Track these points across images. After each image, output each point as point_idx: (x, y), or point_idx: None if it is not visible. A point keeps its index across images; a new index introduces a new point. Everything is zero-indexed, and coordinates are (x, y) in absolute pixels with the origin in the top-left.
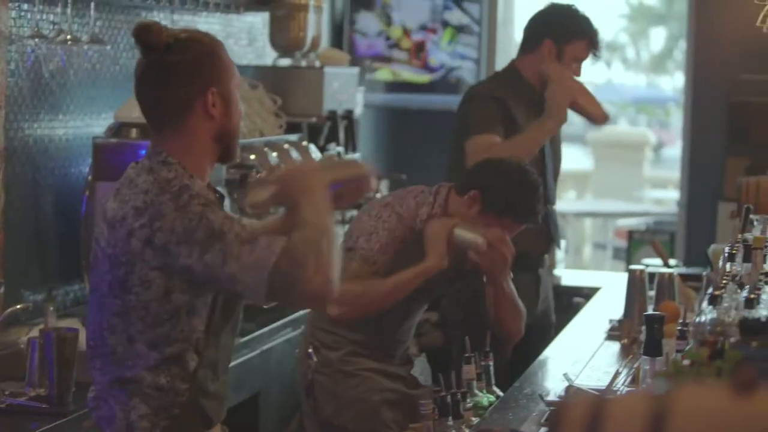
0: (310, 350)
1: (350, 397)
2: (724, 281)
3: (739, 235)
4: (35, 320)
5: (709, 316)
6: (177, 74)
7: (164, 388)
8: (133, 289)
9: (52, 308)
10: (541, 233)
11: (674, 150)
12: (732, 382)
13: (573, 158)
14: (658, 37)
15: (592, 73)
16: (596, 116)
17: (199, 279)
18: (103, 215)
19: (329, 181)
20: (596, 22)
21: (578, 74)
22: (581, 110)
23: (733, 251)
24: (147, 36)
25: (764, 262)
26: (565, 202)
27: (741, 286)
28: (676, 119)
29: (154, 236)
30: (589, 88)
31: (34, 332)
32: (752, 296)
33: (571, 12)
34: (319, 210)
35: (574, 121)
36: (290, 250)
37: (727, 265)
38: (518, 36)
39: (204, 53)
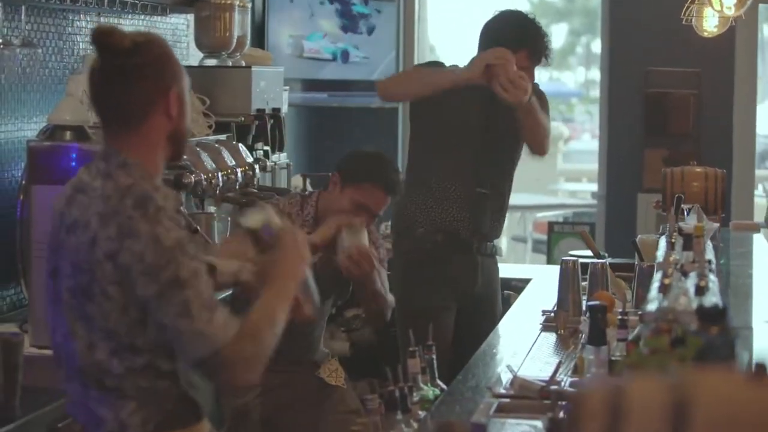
0: None
1: None
2: (670, 270)
3: (675, 224)
4: None
5: (660, 304)
6: (141, 77)
7: (147, 389)
8: (95, 298)
9: None
10: (470, 216)
11: (580, 144)
12: (750, 370)
13: None
14: (559, 33)
15: None
16: (507, 97)
17: (149, 309)
18: (58, 221)
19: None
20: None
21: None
22: (495, 85)
23: (672, 240)
24: (109, 40)
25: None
26: None
27: (684, 274)
28: (580, 114)
29: (119, 254)
30: None
31: None
32: (702, 284)
33: (515, 21)
34: (283, 299)
35: None
36: (239, 342)
37: (664, 254)
38: (432, 34)
39: (163, 54)
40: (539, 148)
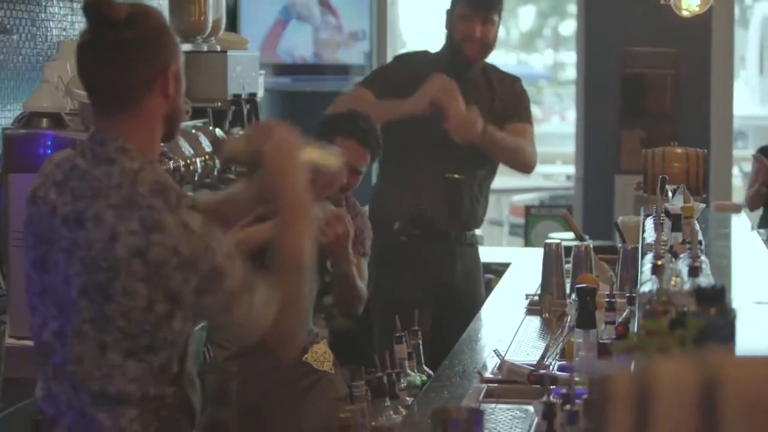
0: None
1: None
2: (661, 251)
3: (661, 205)
4: None
5: (654, 286)
6: (139, 53)
7: (153, 395)
8: (116, 297)
9: None
10: (443, 203)
11: (549, 126)
12: None
13: None
14: (527, 16)
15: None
16: (456, 137)
17: (184, 304)
18: (47, 210)
19: (307, 165)
20: None
21: (478, 33)
22: (445, 120)
23: (660, 221)
24: (104, 10)
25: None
26: None
27: (675, 256)
28: (548, 96)
29: (149, 250)
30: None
31: None
32: (696, 264)
33: None
34: (301, 230)
35: None
36: (283, 314)
37: (654, 235)
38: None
39: (161, 27)
40: (522, 168)
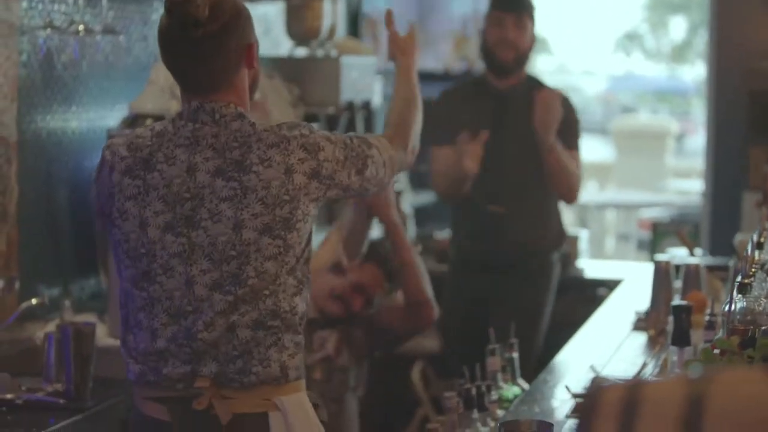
0: None
1: None
2: (752, 270)
3: (766, 223)
4: (51, 315)
5: (738, 305)
6: (226, 39)
7: (302, 316)
8: (297, 224)
9: (68, 303)
10: (481, 240)
11: (697, 140)
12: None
13: (594, 149)
14: (678, 27)
15: (612, 64)
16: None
17: (350, 193)
18: (183, 171)
19: None
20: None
21: (510, 36)
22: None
23: (762, 239)
24: (190, 10)
25: None
26: (588, 193)
27: None
28: (698, 109)
29: (321, 167)
30: (606, 80)
31: (50, 327)
32: None
33: None
34: (414, 80)
35: (596, 110)
36: (403, 142)
37: (756, 254)
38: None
39: (239, 11)
40: (567, 195)
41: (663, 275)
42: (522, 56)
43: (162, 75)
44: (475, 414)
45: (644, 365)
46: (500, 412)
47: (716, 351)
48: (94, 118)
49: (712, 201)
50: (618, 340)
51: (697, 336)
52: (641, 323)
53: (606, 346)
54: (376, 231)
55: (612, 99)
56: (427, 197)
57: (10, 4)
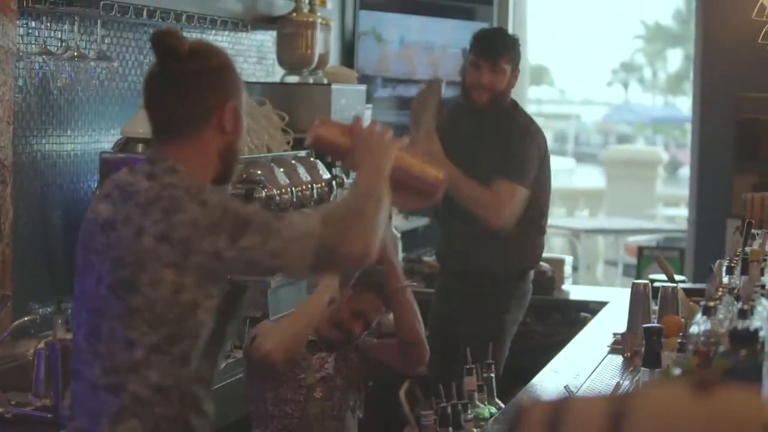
0: None
1: None
2: (719, 293)
3: (739, 249)
4: (44, 332)
5: (702, 327)
6: (200, 83)
7: (161, 397)
8: (142, 288)
9: (60, 320)
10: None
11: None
12: (692, 381)
13: (586, 177)
14: (674, 58)
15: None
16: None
17: (231, 265)
18: (92, 220)
19: (398, 163)
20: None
21: (485, 81)
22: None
23: (732, 264)
24: (170, 42)
25: (762, 275)
26: (578, 219)
27: (738, 298)
28: None
29: (172, 231)
30: (605, 108)
31: (43, 344)
32: (746, 307)
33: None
34: (376, 174)
35: (590, 141)
36: (330, 215)
37: (726, 278)
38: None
39: (224, 65)
40: (485, 222)
41: (640, 298)
42: (498, 96)
43: None
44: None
45: (617, 386)
46: (476, 431)
47: (677, 371)
48: (88, 142)
49: (697, 228)
50: (594, 362)
51: (671, 358)
52: (618, 345)
53: (583, 368)
54: None
55: (609, 128)
56: (416, 222)
57: (7, 30)
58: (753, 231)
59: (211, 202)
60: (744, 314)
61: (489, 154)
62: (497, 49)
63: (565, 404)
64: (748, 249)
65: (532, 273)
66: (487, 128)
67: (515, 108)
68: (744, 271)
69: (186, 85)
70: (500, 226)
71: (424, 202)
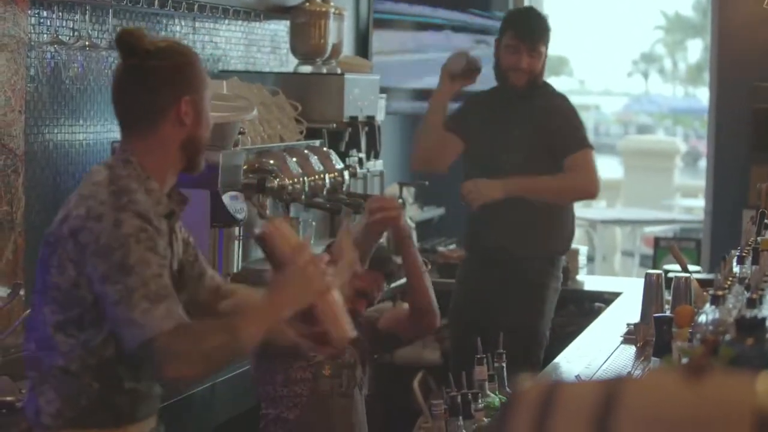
0: None
1: None
2: (728, 282)
3: (751, 239)
4: None
5: (711, 316)
6: (155, 79)
7: (73, 375)
8: (51, 269)
9: None
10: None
11: None
12: (684, 367)
13: (605, 167)
14: (695, 48)
15: (629, 85)
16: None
17: (94, 291)
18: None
19: (321, 304)
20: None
21: (524, 65)
22: None
23: (744, 254)
24: (129, 39)
25: None
26: (596, 210)
27: (748, 288)
28: None
29: (81, 231)
30: (625, 99)
31: None
32: (755, 296)
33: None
34: (261, 316)
35: (610, 132)
36: (174, 335)
37: (738, 268)
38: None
39: (182, 63)
40: (577, 199)
41: (654, 288)
42: (536, 78)
43: None
44: (460, 421)
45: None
46: (486, 420)
47: (683, 360)
48: (100, 131)
49: (713, 218)
50: (607, 352)
51: (681, 348)
52: (630, 336)
53: (595, 357)
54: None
55: (629, 119)
56: (432, 212)
57: (19, 20)
58: (766, 221)
59: (123, 228)
60: (753, 303)
61: (528, 135)
62: (535, 33)
63: (556, 388)
64: (759, 239)
65: (563, 260)
66: (526, 109)
67: (548, 86)
68: (755, 261)
69: (144, 81)
70: (595, 195)
71: (321, 348)
